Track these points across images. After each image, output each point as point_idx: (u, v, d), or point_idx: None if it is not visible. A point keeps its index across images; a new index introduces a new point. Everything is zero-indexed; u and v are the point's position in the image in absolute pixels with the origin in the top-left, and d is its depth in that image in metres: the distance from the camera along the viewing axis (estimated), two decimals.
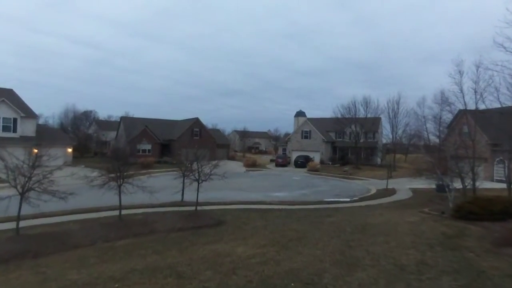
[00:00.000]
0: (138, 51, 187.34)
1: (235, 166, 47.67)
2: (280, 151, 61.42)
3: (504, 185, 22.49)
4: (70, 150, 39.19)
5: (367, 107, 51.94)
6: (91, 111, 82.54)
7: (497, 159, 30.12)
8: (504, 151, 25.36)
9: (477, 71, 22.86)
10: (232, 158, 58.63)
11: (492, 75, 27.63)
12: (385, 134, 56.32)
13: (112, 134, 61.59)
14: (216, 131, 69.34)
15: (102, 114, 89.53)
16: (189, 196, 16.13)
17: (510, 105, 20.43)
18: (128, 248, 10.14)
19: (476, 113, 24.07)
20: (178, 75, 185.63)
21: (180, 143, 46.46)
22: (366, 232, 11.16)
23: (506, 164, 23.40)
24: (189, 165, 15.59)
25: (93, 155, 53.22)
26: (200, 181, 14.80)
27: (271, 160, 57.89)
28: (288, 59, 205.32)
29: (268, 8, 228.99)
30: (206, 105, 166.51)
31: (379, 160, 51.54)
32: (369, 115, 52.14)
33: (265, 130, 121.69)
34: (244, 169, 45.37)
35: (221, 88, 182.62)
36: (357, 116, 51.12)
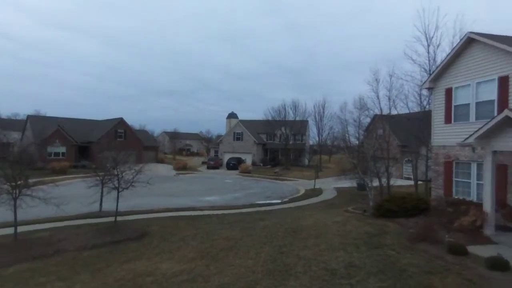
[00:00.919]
0: (55, 43, 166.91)
1: (164, 170, 45.24)
2: (212, 153, 60.34)
3: (411, 182, 25.28)
4: None
5: (296, 111, 54.29)
6: None
7: (406, 159, 33.92)
8: (411, 152, 28.61)
9: (390, 80, 25.35)
10: (161, 161, 55.64)
11: (402, 84, 30.85)
12: (312, 137, 59.60)
13: (17, 135, 53.22)
14: (144, 132, 65.19)
15: (4, 111, 77.02)
16: (110, 205, 14.36)
17: (417, 111, 23.09)
18: (23, 276, 8.32)
19: (389, 117, 26.73)
20: (104, 72, 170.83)
21: (101, 146, 42.14)
22: (298, 235, 11.14)
23: (413, 164, 26.42)
24: (109, 170, 13.87)
25: None
26: (120, 189, 13.22)
27: (203, 163, 56.57)
28: (223, 61, 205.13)
29: (206, 9, 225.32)
30: (135, 105, 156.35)
31: (307, 161, 54.19)
32: (297, 118, 54.52)
33: (196, 131, 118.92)
34: (174, 172, 43.31)
35: (153, 87, 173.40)
36: (286, 119, 53.00)
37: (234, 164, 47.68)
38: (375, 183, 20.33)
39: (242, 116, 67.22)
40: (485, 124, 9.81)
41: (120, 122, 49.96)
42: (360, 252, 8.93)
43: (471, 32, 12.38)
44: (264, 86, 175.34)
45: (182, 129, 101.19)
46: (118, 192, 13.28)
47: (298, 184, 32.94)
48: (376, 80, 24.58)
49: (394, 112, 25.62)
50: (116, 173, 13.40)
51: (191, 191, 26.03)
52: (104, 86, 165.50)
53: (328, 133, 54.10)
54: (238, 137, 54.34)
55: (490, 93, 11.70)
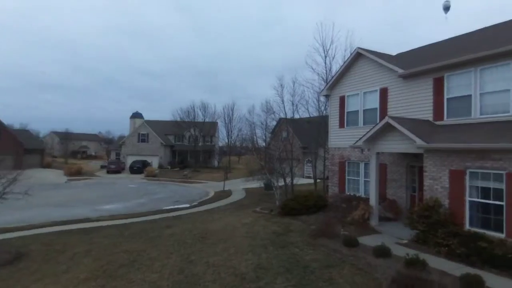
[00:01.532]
0: None
1: (53, 176, 39.17)
2: (113, 156, 54.95)
3: (312, 180, 27.58)
4: None
5: (205, 112, 53.77)
6: None
7: (307, 159, 36.96)
8: (311, 153, 31.28)
9: (293, 86, 27.29)
10: (47, 166, 48.02)
11: (304, 91, 33.34)
12: (222, 138, 59.95)
13: None
14: (25, 132, 55.32)
15: None
16: None
17: (316, 115, 25.35)
18: None
19: (292, 121, 28.74)
20: None
21: None
22: (207, 240, 10.81)
23: (313, 164, 28.93)
24: None
25: None
26: None
27: (102, 167, 51.03)
28: (127, 57, 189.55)
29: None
30: (14, 100, 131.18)
31: (216, 162, 54.18)
32: (207, 120, 54.08)
33: (95, 132, 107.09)
34: (65, 178, 37.80)
35: (38, 80, 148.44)
36: (196, 120, 51.99)
37: (139, 168, 44.37)
38: (281, 183, 21.48)
39: (148, 116, 63.30)
40: (371, 129, 11.23)
41: None
42: (268, 252, 9.13)
43: (359, 48, 14.10)
44: (173, 86, 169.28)
45: (77, 129, 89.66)
46: None
47: (208, 186, 32.54)
48: (281, 85, 26.09)
49: (296, 116, 27.65)
50: None
51: (87, 200, 23.00)
52: None
53: (237, 135, 55.15)
54: (144, 138, 50.83)
55: (374, 102, 13.50)
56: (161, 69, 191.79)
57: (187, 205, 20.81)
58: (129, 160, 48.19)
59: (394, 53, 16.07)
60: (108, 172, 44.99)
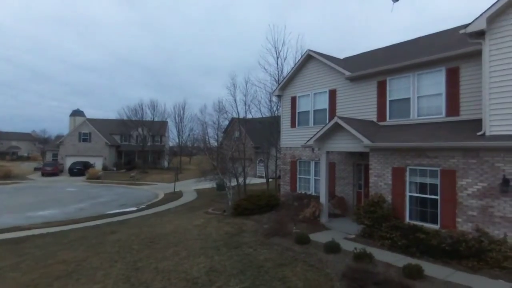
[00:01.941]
0: None
1: None
2: (49, 157, 50.14)
3: (264, 180, 27.84)
4: None
5: (154, 111, 51.52)
6: None
7: (259, 159, 37.30)
8: (263, 153, 31.63)
9: (246, 86, 27.48)
10: None
11: (256, 91, 33.56)
12: (172, 138, 57.94)
13: None
14: None
15: None
16: None
17: (268, 116, 25.64)
18: None
19: (245, 121, 28.77)
20: None
21: None
22: (155, 245, 10.23)
23: (265, 163, 29.27)
24: None
25: None
26: None
27: (36, 169, 46.26)
28: (63, 49, 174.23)
29: None
30: None
31: (166, 163, 52.24)
32: (156, 119, 51.87)
33: (28, 131, 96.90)
34: None
35: None
36: (144, 119, 49.59)
37: (80, 170, 41.02)
38: (234, 183, 21.32)
39: (91, 114, 58.91)
40: (321, 128, 11.58)
41: None
42: (221, 254, 8.90)
43: (310, 50, 14.50)
44: (118, 83, 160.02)
45: (6, 127, 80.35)
46: None
47: (157, 188, 31.19)
48: (234, 85, 26.03)
49: (249, 116, 27.73)
50: None
51: (17, 206, 20.56)
52: None
53: (189, 135, 53.71)
54: (85, 137, 47.13)
55: (324, 102, 13.98)
56: (106, 64, 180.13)
57: (134, 209, 19.67)
58: (69, 162, 44.36)
59: (342, 57, 16.84)
60: (43, 174, 40.88)
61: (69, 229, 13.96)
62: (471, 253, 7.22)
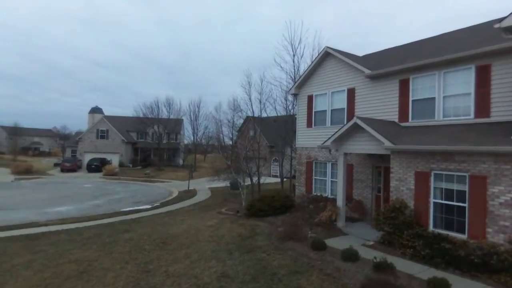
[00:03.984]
0: None
1: None
2: (69, 153, 51.37)
3: (278, 179, 27.44)
4: None
5: (170, 108, 51.89)
6: None
7: (273, 158, 36.89)
8: (278, 152, 31.24)
9: (261, 84, 27.04)
10: None
11: (271, 89, 33.03)
12: (187, 136, 58.30)
13: None
14: None
15: None
16: None
17: (283, 114, 25.21)
18: None
19: (260, 119, 28.43)
20: None
21: None
22: (167, 246, 10.07)
23: (279, 163, 28.87)
24: None
25: None
26: None
27: (56, 165, 47.45)
28: (83, 47, 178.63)
29: None
30: None
31: (181, 161, 52.56)
32: (172, 116, 52.24)
33: (49, 127, 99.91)
34: (12, 177, 34.55)
35: None
36: (160, 117, 50.02)
37: (97, 166, 41.76)
38: (247, 182, 21.04)
39: (108, 111, 59.98)
40: (339, 129, 11.09)
41: None
42: (233, 258, 8.62)
43: (328, 47, 13.98)
44: (135, 80, 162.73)
45: (29, 123, 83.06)
46: None
47: (172, 185, 31.30)
48: (249, 83, 25.68)
49: (264, 114, 27.39)
50: None
51: (35, 201, 20.99)
52: None
53: (203, 133, 53.92)
54: (103, 134, 47.96)
55: (342, 102, 13.47)
56: (124, 61, 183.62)
57: (148, 206, 19.70)
58: (87, 158, 45.27)
59: (361, 55, 16.22)
60: (62, 170, 41.88)
61: (84, 227, 14.02)
62: (504, 267, 6.64)
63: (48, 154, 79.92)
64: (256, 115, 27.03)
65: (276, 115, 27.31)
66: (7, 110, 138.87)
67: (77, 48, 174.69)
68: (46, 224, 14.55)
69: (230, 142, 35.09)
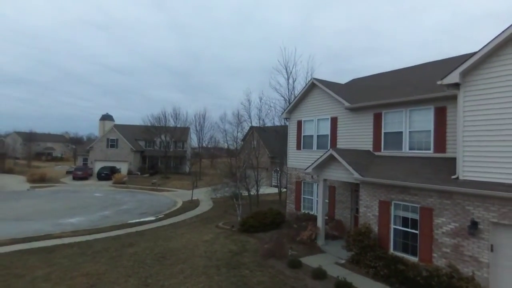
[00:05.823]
0: None
1: (14, 183, 37.89)
2: (80, 162, 53.61)
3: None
4: None
5: (176, 119, 53.85)
6: None
7: (274, 169, 38.20)
8: (278, 163, 32.57)
9: (260, 101, 28.52)
10: (9, 171, 46.13)
11: (269, 107, 34.43)
12: (193, 145, 60.14)
13: None
14: None
15: None
16: None
17: (283, 124, 26.59)
18: None
19: (262, 130, 29.92)
20: None
21: None
22: (166, 261, 11.51)
23: (278, 174, 30.21)
24: None
25: None
26: None
27: (68, 172, 49.65)
28: (96, 52, 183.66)
29: None
30: None
31: (188, 168, 54.30)
32: (178, 125, 54.16)
33: (61, 132, 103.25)
34: (27, 185, 36.66)
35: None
36: (167, 126, 51.96)
37: (107, 174, 43.75)
38: (247, 193, 22.45)
39: (119, 115, 62.52)
40: (319, 158, 12.44)
41: None
42: (220, 274, 10.00)
43: (314, 78, 15.36)
44: (145, 83, 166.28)
45: (42, 128, 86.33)
46: None
47: (177, 195, 32.90)
48: (248, 101, 27.35)
49: (268, 124, 28.87)
50: None
51: (50, 212, 22.79)
52: None
53: (208, 142, 55.76)
54: (113, 143, 50.06)
55: (326, 128, 14.80)
56: (135, 66, 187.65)
57: (153, 218, 21.26)
58: (97, 166, 47.34)
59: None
60: (74, 178, 43.99)
61: (94, 239, 15.59)
62: None
63: (60, 159, 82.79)
64: (256, 130, 28.47)
65: (279, 124, 28.66)
66: (21, 115, 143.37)
67: (95, 55, 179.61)
68: (60, 236, 16.19)
69: (234, 151, 36.54)
